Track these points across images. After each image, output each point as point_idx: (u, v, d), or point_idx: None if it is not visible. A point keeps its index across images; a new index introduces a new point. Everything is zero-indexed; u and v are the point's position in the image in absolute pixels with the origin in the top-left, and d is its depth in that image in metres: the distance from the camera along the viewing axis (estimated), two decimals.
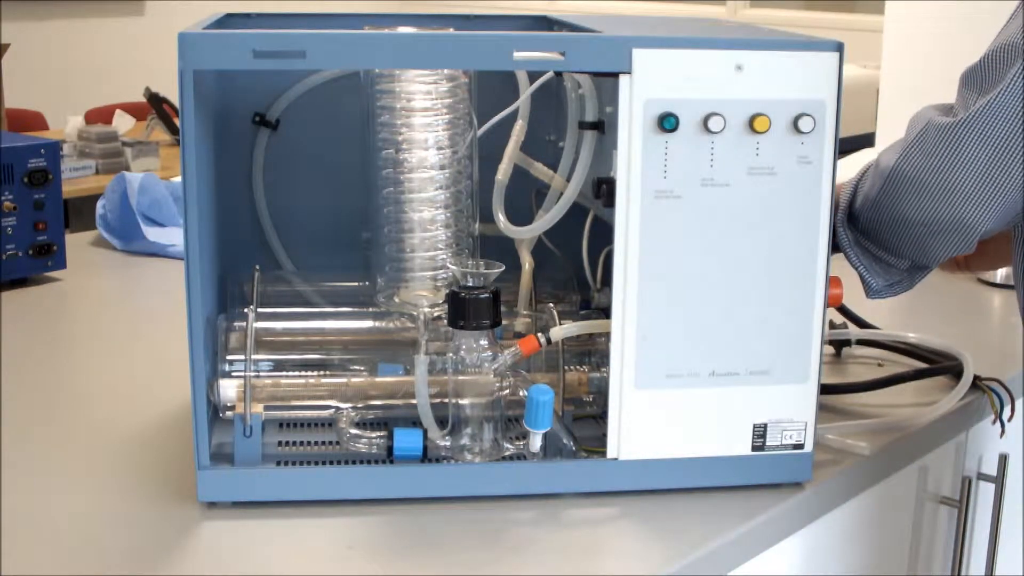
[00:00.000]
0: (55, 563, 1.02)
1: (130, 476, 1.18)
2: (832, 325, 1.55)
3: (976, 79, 1.17)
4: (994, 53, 1.17)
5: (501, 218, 1.25)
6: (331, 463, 1.19)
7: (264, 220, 1.38)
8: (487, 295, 1.14)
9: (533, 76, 1.25)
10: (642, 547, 1.09)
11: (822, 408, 1.18)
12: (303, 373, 1.22)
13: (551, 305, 1.24)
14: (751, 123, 1.09)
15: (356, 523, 1.10)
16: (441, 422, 1.16)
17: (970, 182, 1.16)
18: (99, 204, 2.08)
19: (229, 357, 1.19)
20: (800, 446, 1.16)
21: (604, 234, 1.15)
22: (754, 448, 1.16)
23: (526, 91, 1.25)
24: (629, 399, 1.13)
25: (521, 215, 1.28)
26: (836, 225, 1.25)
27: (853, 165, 1.57)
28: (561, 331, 1.17)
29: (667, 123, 1.07)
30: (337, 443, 1.18)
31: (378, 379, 1.21)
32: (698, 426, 1.14)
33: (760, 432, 1.15)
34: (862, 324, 1.56)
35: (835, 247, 1.26)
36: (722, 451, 1.15)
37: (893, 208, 1.21)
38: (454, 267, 1.18)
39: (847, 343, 1.56)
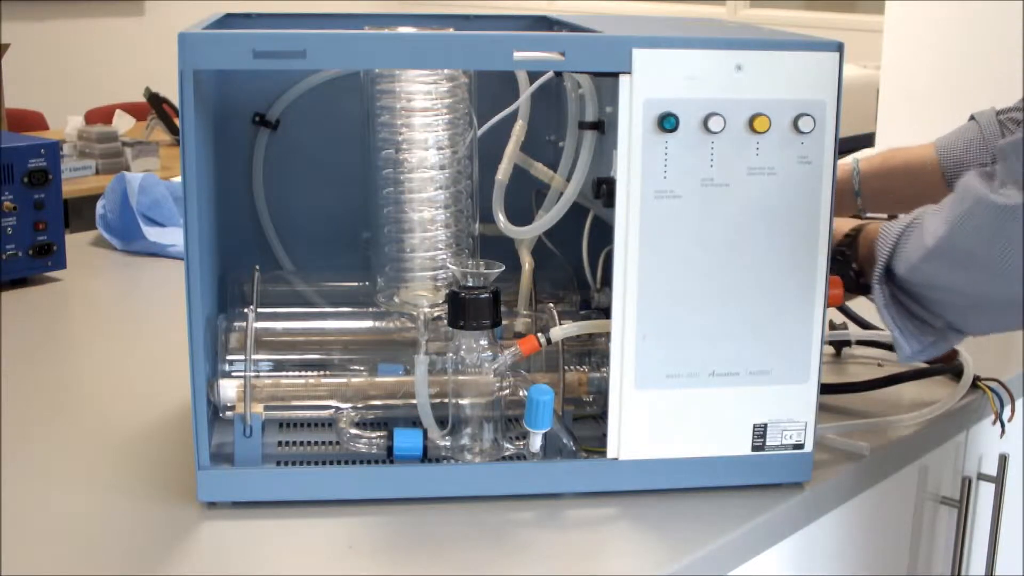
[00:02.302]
0: (55, 563, 1.02)
1: (130, 476, 1.18)
2: (832, 325, 1.55)
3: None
4: None
5: (501, 218, 1.25)
6: (331, 463, 1.19)
7: (264, 220, 1.38)
8: (487, 295, 1.14)
9: (533, 76, 1.25)
10: (642, 547, 1.09)
11: (822, 408, 1.18)
12: (303, 373, 1.22)
13: (551, 305, 1.24)
14: (751, 123, 1.09)
15: (356, 523, 1.10)
16: (441, 422, 1.16)
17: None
18: (99, 204, 2.08)
19: (229, 357, 1.19)
20: (800, 446, 1.16)
21: (604, 234, 1.15)
22: (754, 448, 1.16)
23: (526, 91, 1.25)
24: (629, 399, 1.13)
25: (521, 215, 1.28)
26: (872, 281, 1.20)
27: None
28: (561, 331, 1.17)
29: (667, 123, 1.07)
30: (337, 443, 1.18)
31: (378, 379, 1.21)
32: (698, 426, 1.14)
33: (760, 432, 1.15)
34: (862, 324, 1.56)
35: (864, 289, 1.23)
36: (722, 451, 1.15)
37: (940, 276, 1.16)
38: (454, 267, 1.18)
39: (847, 343, 1.56)
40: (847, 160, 1.55)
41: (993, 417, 1.41)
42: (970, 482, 1.46)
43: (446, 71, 1.20)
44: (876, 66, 2.66)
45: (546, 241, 1.31)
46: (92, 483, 1.17)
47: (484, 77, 1.26)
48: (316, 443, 1.24)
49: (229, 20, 1.30)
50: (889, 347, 1.55)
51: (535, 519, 1.11)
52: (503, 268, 1.15)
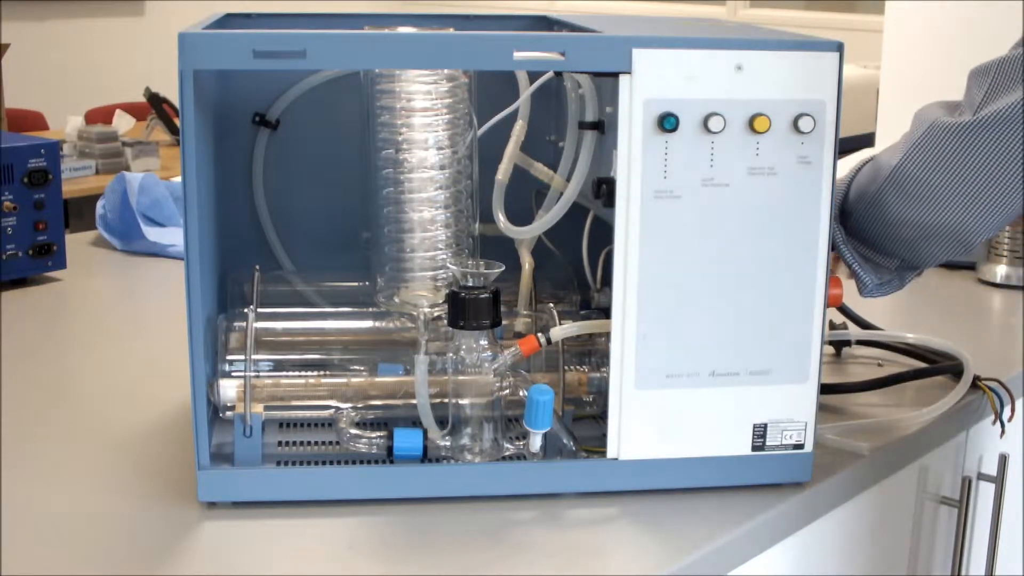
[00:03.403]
0: (55, 563, 1.02)
1: (130, 476, 1.18)
2: (832, 325, 1.55)
3: (989, 79, 1.13)
4: (1014, 58, 1.13)
5: (501, 218, 1.25)
6: (331, 463, 1.19)
7: (264, 220, 1.38)
8: (487, 295, 1.14)
9: (533, 76, 1.25)
10: (642, 547, 1.09)
11: (822, 408, 1.18)
12: (303, 373, 1.22)
13: (551, 305, 1.24)
14: (751, 123, 1.09)
15: (356, 523, 1.10)
16: (441, 422, 1.16)
17: (975, 187, 1.13)
18: (99, 204, 2.08)
19: (229, 357, 1.19)
20: (800, 446, 1.16)
21: (604, 234, 1.15)
22: (754, 448, 1.16)
23: (526, 91, 1.25)
24: (629, 399, 1.13)
25: (521, 215, 1.28)
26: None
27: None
28: (561, 331, 1.17)
29: (667, 123, 1.07)
30: (337, 443, 1.18)
31: (378, 379, 1.21)
32: (698, 426, 1.14)
33: (760, 432, 1.15)
34: (862, 324, 1.56)
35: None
36: (722, 451, 1.15)
37: (891, 208, 1.19)
38: (454, 267, 1.18)
39: (847, 343, 1.56)
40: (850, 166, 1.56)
41: (993, 417, 1.41)
42: (970, 482, 1.46)
43: (446, 71, 1.20)
44: (876, 66, 2.66)
45: (546, 241, 1.31)
46: (92, 483, 1.17)
47: (484, 77, 1.26)
48: (316, 443, 1.24)
49: (229, 20, 1.30)
50: (889, 347, 1.55)
51: (535, 519, 1.11)
52: (503, 268, 1.15)
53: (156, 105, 4.15)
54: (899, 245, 1.23)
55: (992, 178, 1.13)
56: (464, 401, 1.15)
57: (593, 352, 1.24)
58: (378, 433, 1.16)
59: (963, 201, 1.14)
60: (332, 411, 1.20)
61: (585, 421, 1.25)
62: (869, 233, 1.24)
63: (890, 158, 1.19)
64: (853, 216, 1.24)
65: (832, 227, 1.24)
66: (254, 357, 1.18)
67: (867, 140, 2.48)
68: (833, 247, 1.24)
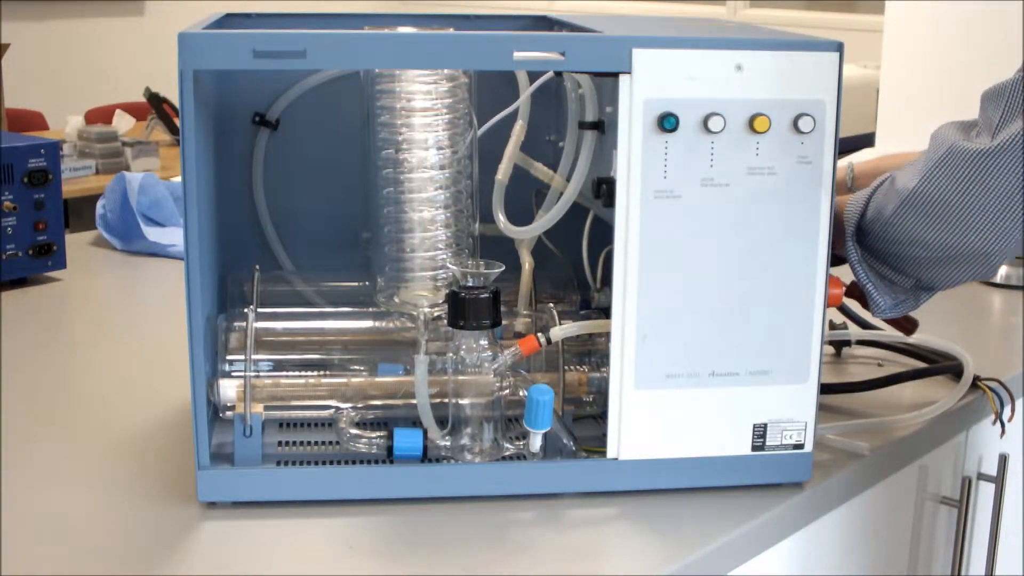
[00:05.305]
0: (55, 563, 1.02)
1: (130, 476, 1.18)
2: (832, 325, 1.55)
3: (1004, 102, 1.14)
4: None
5: (501, 218, 1.25)
6: (331, 463, 1.19)
7: (264, 220, 1.38)
8: (487, 295, 1.14)
9: (533, 76, 1.25)
10: (642, 547, 1.09)
11: (822, 408, 1.18)
12: (303, 373, 1.22)
13: (551, 305, 1.24)
14: (751, 123, 1.09)
15: (356, 523, 1.10)
16: (441, 422, 1.16)
17: (995, 211, 1.13)
18: (99, 204, 2.08)
19: (229, 357, 1.19)
20: (800, 446, 1.16)
21: (604, 234, 1.15)
22: (754, 448, 1.16)
23: (526, 91, 1.25)
24: (629, 399, 1.13)
25: (521, 215, 1.28)
26: (845, 239, 1.23)
27: None
28: (561, 331, 1.17)
29: (667, 123, 1.07)
30: (337, 443, 1.18)
31: (378, 379, 1.21)
32: (698, 426, 1.14)
33: (760, 432, 1.15)
34: (862, 324, 1.56)
35: (837, 260, 1.24)
36: (722, 451, 1.15)
37: (910, 229, 1.18)
38: (454, 267, 1.18)
39: (847, 343, 1.56)
40: (842, 163, 1.56)
41: (993, 417, 1.42)
42: (970, 482, 1.46)
43: (446, 71, 1.20)
44: (876, 66, 2.66)
45: (546, 241, 1.31)
46: (92, 483, 1.17)
47: (484, 77, 1.26)
48: (316, 443, 1.24)
49: (229, 20, 1.30)
50: (889, 347, 1.55)
51: (535, 519, 1.11)
52: (503, 268, 1.15)
53: (156, 105, 4.15)
54: (915, 266, 1.22)
55: (1009, 200, 1.13)
56: (464, 401, 1.15)
57: (593, 352, 1.24)
58: (378, 433, 1.16)
59: (982, 225, 1.14)
60: (332, 411, 1.20)
61: (585, 421, 1.25)
62: (885, 253, 1.23)
63: (908, 180, 1.18)
64: (870, 236, 1.23)
65: (848, 245, 1.23)
66: (254, 357, 1.18)
67: (867, 140, 2.48)
68: (838, 262, 1.24)
